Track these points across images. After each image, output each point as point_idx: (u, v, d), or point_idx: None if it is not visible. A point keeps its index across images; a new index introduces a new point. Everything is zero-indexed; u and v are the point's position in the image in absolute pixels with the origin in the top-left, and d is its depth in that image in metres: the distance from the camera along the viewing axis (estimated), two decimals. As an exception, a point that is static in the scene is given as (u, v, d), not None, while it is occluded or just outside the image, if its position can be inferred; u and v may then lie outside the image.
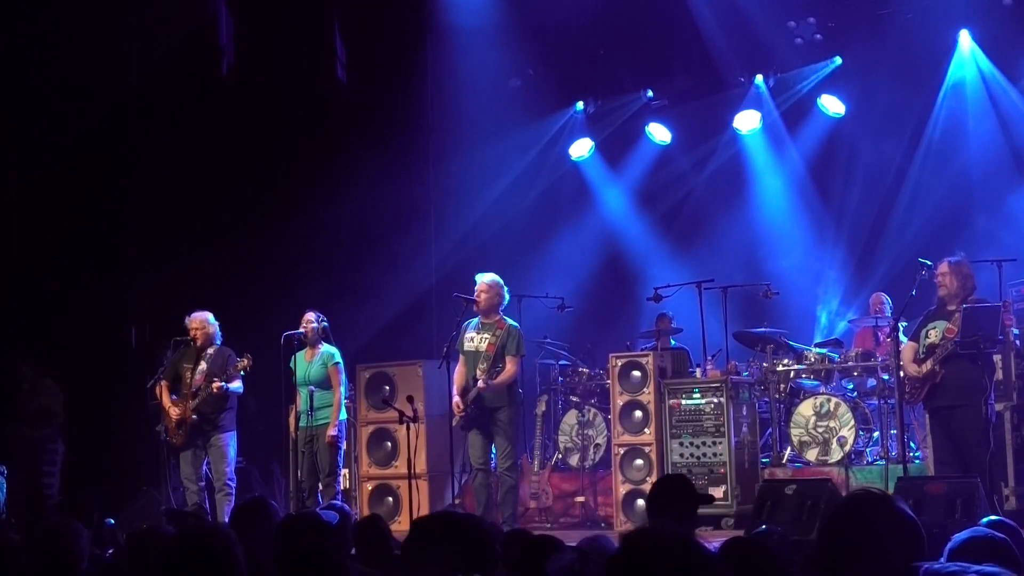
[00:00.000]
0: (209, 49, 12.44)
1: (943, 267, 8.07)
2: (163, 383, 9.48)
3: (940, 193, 11.78)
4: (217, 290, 11.26)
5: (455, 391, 9.06)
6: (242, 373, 9.28)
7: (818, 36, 12.08)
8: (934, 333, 8.02)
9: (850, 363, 10.21)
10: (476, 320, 9.15)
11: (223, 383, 9.17)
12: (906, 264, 9.85)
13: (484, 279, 9.12)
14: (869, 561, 2.96)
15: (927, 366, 7.96)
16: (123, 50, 11.28)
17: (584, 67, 12.93)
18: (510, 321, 9.17)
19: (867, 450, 9.96)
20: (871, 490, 3.24)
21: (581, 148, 13.39)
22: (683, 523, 4.91)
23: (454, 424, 9.06)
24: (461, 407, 8.93)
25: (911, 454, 9.40)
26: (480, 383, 8.85)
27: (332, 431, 9.30)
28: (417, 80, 12.89)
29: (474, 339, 9.07)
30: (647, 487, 8.77)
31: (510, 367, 8.94)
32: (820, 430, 9.76)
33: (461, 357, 9.11)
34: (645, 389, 9.94)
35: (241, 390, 9.44)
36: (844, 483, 9.35)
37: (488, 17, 12.40)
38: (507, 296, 9.23)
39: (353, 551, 4.87)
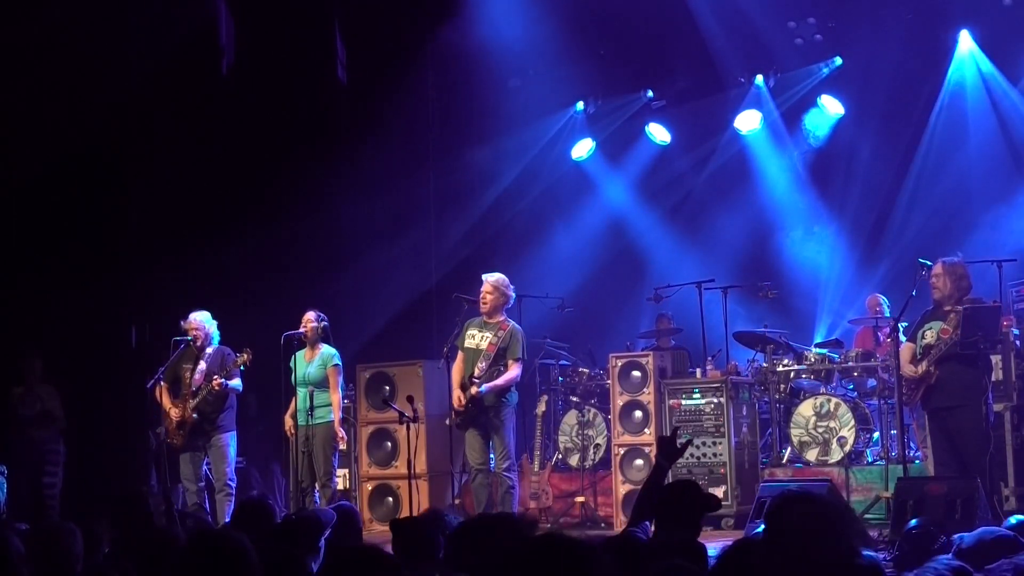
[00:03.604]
0: (209, 49, 12.42)
1: (937, 268, 8.07)
2: (163, 385, 9.47)
3: (940, 193, 11.78)
4: (217, 290, 11.24)
5: (454, 386, 9.00)
6: (242, 368, 9.28)
7: (818, 36, 12.10)
8: (930, 334, 8.02)
9: (850, 363, 10.20)
10: (479, 318, 9.12)
11: (223, 379, 9.17)
12: (906, 264, 9.86)
13: (491, 279, 9.06)
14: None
15: (922, 367, 7.95)
16: (123, 50, 11.26)
17: (584, 67, 12.92)
18: (513, 323, 9.11)
19: (867, 450, 9.95)
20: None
21: (582, 149, 13.38)
22: (689, 529, 4.91)
23: (449, 423, 9.04)
24: (463, 400, 8.88)
25: (911, 454, 9.40)
26: (473, 388, 8.81)
27: (339, 428, 9.31)
28: (417, 80, 12.88)
29: (475, 336, 9.02)
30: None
31: (512, 370, 8.89)
32: (820, 430, 9.75)
33: (460, 353, 9.06)
34: (645, 389, 9.95)
35: (240, 388, 9.43)
36: (844, 483, 9.37)
37: (488, 17, 12.39)
38: (513, 296, 9.20)
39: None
